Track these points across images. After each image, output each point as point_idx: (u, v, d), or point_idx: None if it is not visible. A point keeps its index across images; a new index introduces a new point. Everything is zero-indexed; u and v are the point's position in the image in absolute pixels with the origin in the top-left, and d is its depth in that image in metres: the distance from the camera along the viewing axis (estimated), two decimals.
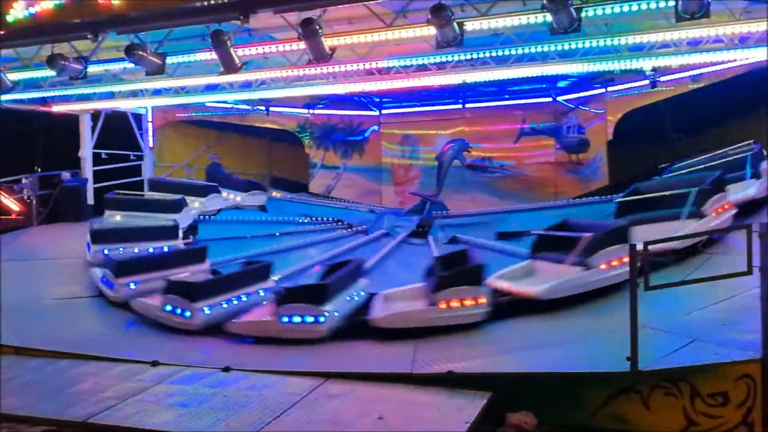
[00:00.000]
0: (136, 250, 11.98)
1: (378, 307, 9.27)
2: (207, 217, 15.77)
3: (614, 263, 9.08)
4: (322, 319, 8.83)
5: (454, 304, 8.80)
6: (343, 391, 6.93)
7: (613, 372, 6.37)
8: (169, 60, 11.77)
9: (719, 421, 6.01)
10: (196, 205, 15.62)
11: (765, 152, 12.91)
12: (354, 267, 10.31)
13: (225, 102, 18.55)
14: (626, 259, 7.52)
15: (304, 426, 6.16)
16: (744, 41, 11.64)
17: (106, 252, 11.60)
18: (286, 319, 8.87)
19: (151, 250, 12.19)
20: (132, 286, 10.52)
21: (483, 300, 8.90)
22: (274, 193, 18.87)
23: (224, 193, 16.90)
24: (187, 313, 9.41)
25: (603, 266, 9.09)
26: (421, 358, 7.68)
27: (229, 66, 10.93)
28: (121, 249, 11.94)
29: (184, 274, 10.71)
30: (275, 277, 11.00)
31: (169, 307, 9.56)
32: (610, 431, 6.29)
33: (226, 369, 7.68)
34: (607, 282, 9.03)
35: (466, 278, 9.00)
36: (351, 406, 6.56)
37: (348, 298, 9.62)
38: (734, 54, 12.29)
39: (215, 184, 16.91)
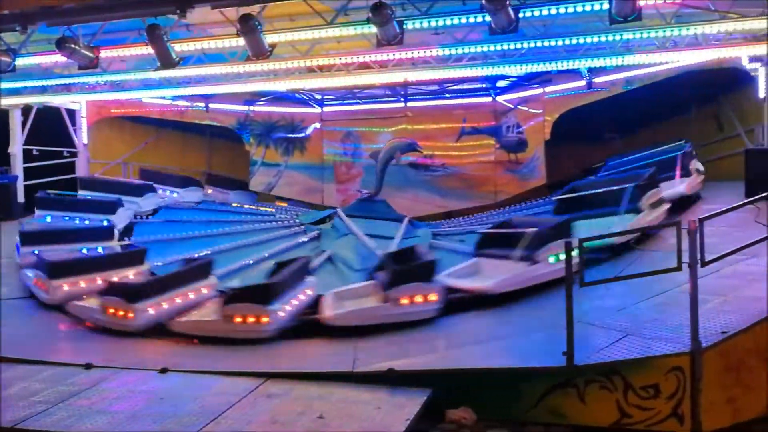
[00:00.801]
0: (70, 252, 11.57)
1: (328, 306, 9.21)
2: (143, 217, 15.37)
3: (561, 257, 9.18)
4: (266, 319, 8.72)
5: (404, 301, 8.82)
6: (283, 391, 6.89)
7: (549, 367, 6.49)
8: (104, 54, 11.45)
9: (651, 413, 6.19)
10: (132, 204, 15.23)
11: (694, 151, 13.41)
12: (300, 266, 10.22)
13: (162, 98, 18.15)
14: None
15: (242, 427, 6.10)
16: (675, 44, 12.04)
17: (36, 253, 11.21)
18: (236, 319, 8.74)
19: (85, 251, 11.83)
20: (66, 288, 10.19)
21: (435, 296, 8.95)
22: (209, 190, 18.55)
23: (160, 191, 16.54)
24: (130, 314, 9.16)
25: (551, 260, 9.28)
26: (362, 357, 7.70)
27: (165, 61, 10.72)
28: (52, 251, 11.48)
29: (122, 275, 10.47)
30: (217, 275, 10.80)
31: (111, 310, 9.28)
32: (547, 425, 6.40)
33: (163, 370, 7.53)
34: (552, 276, 9.09)
35: (419, 274, 9.01)
36: (290, 406, 6.52)
37: (295, 297, 9.51)
38: (665, 56, 12.69)
39: (150, 182, 16.51)
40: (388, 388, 6.79)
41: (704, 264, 6.57)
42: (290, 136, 21.09)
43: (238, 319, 8.76)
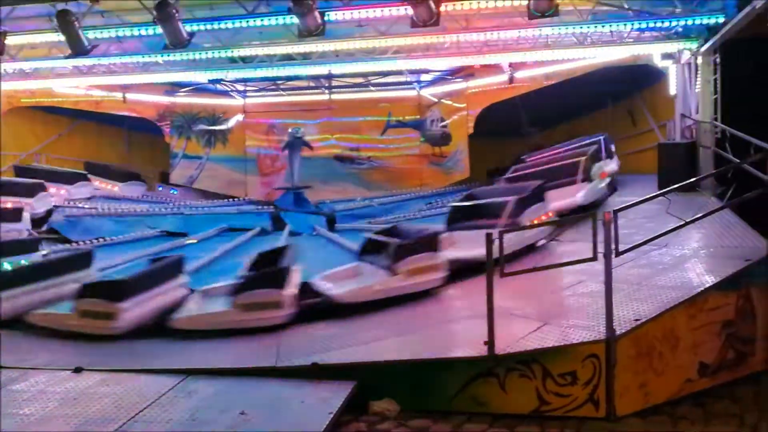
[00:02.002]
0: None
1: (192, 305, 9.06)
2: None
3: (418, 272, 9.08)
4: (114, 315, 8.49)
5: (418, 271, 8.78)
6: (203, 388, 6.72)
7: (471, 357, 6.57)
8: (11, 41, 10.92)
9: (568, 399, 6.35)
10: (62, 192, 14.60)
11: (612, 146, 13.86)
12: (170, 263, 9.94)
13: (77, 87, 17.45)
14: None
15: (161, 425, 5.92)
16: (591, 41, 12.42)
17: None
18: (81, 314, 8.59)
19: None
20: None
21: (441, 266, 8.96)
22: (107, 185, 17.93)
23: (98, 182, 15.94)
24: (111, 316, 8.64)
25: (402, 275, 9.03)
26: (285, 351, 7.60)
27: (77, 48, 10.31)
28: None
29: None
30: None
31: (87, 313, 8.72)
32: (469, 414, 6.48)
33: (78, 370, 7.24)
34: (410, 289, 8.99)
35: (426, 245, 8.96)
36: (212, 403, 6.37)
37: (159, 295, 9.19)
38: (582, 52, 13.07)
39: (40, 181, 15.60)
40: (312, 382, 6.74)
41: (618, 254, 6.80)
42: (212, 128, 20.69)
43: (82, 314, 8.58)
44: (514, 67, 16.46)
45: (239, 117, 20.77)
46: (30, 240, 12.13)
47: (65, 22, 9.91)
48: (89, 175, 16.91)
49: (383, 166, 20.07)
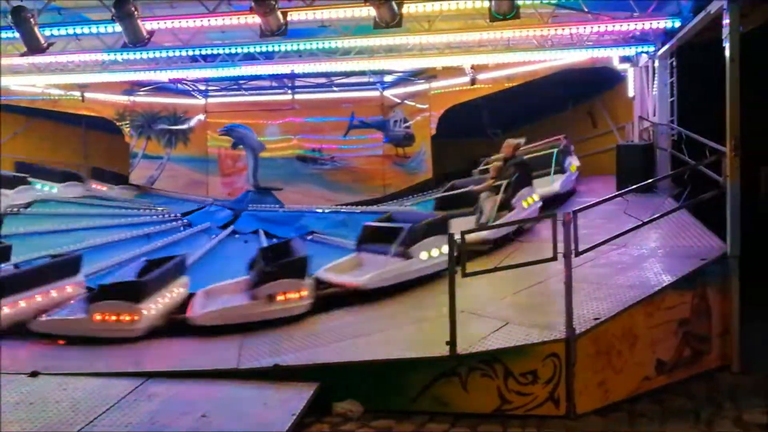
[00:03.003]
0: None
1: (198, 304, 8.98)
2: (14, 210, 14.39)
3: (433, 253, 9.37)
4: (135, 317, 8.39)
5: (279, 297, 8.70)
6: (164, 391, 6.65)
7: (433, 357, 6.60)
8: None
9: (529, 398, 6.42)
10: (2, 198, 14.22)
11: (572, 147, 14.07)
12: (175, 263, 9.89)
13: (34, 85, 17.05)
14: (445, 249, 7.85)
15: (120, 429, 5.84)
16: (552, 44, 12.57)
17: None
18: (99, 318, 8.34)
19: None
20: None
21: (305, 293, 8.87)
22: (94, 185, 17.64)
23: (37, 185, 15.55)
24: None
25: (423, 256, 9.36)
26: (247, 353, 7.55)
27: (32, 46, 10.07)
28: None
29: None
30: (86, 273, 10.27)
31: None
32: (431, 414, 6.50)
33: (34, 374, 7.09)
34: (427, 271, 9.33)
35: (290, 271, 8.92)
36: (172, 406, 6.30)
37: (167, 295, 9.18)
38: (543, 54, 13.23)
39: (25, 174, 15.47)
40: (274, 383, 6.71)
41: (578, 254, 6.90)
42: (173, 127, 20.42)
43: (99, 318, 8.38)
44: (476, 69, 16.57)
45: (201, 117, 20.54)
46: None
47: (20, 18, 9.67)
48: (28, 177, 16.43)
49: (346, 166, 20.02)
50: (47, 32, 10.25)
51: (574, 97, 16.88)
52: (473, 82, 17.17)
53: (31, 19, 9.78)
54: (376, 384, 6.69)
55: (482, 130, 18.00)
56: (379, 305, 8.86)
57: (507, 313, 7.42)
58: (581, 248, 6.96)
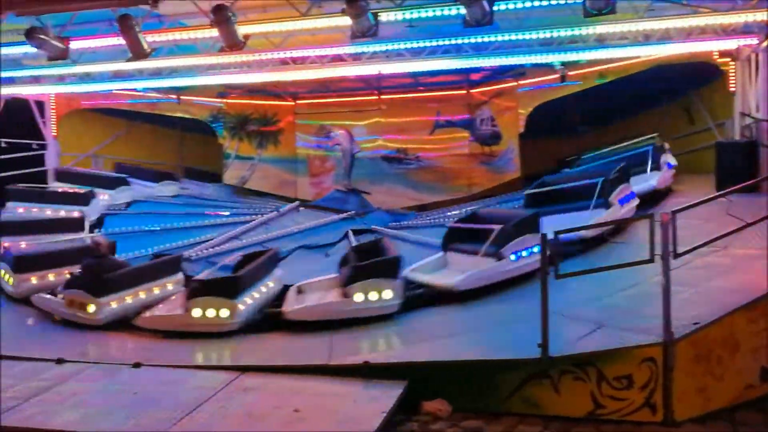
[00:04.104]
0: (39, 244, 11.30)
1: (291, 300, 9.16)
2: (116, 209, 15.10)
3: (524, 253, 9.26)
4: (227, 312, 8.63)
5: (371, 296, 8.75)
6: (258, 385, 6.84)
7: (524, 358, 6.53)
8: (74, 45, 11.25)
9: (624, 403, 6.26)
10: (105, 197, 14.97)
11: (667, 145, 13.60)
12: (269, 258, 10.15)
13: (134, 90, 17.90)
14: (536, 249, 7.75)
15: (217, 421, 6.05)
16: (647, 38, 12.16)
17: (6, 245, 10.98)
18: (198, 313, 8.64)
19: (55, 243, 11.49)
20: (33, 281, 9.99)
21: (396, 292, 8.90)
22: (186, 184, 18.30)
23: (135, 185, 16.28)
24: (91, 308, 8.98)
25: (513, 256, 9.25)
26: (337, 350, 7.67)
27: (137, 52, 10.56)
28: (21, 242, 11.26)
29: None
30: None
31: (72, 303, 9.11)
32: (521, 415, 6.44)
33: (136, 365, 7.44)
34: (519, 271, 9.21)
35: (382, 270, 8.98)
36: (266, 400, 6.48)
37: (262, 290, 9.43)
38: (638, 50, 12.82)
39: (125, 175, 16.24)
40: (363, 381, 6.78)
41: (676, 256, 6.66)
42: (264, 129, 20.94)
43: (199, 313, 8.65)
44: (566, 65, 16.24)
45: (290, 118, 20.98)
46: (73, 220, 12.60)
47: (126, 26, 10.16)
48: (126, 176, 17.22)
49: (431, 165, 20.00)
50: (149, 39, 10.69)
51: (670, 93, 16.29)
52: (563, 78, 16.81)
53: (135, 27, 10.22)
54: (466, 384, 6.67)
55: (572, 128, 17.63)
56: (467, 305, 8.82)
57: (600, 315, 7.26)
58: (680, 250, 6.72)
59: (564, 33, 11.80)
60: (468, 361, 6.80)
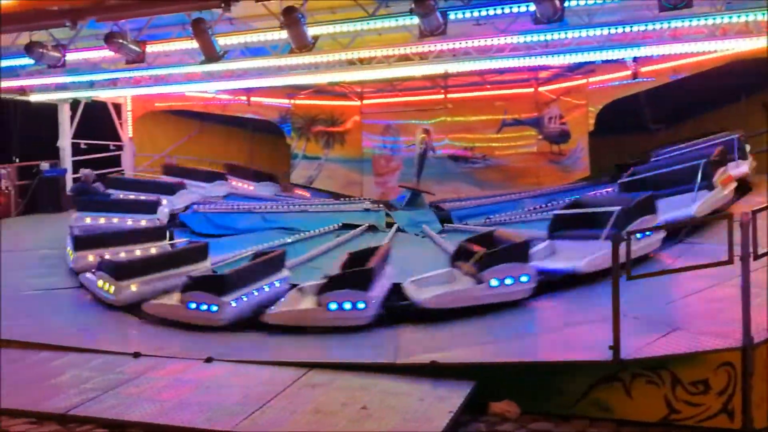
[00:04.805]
0: (123, 254, 11.33)
1: (416, 292, 9.14)
2: (177, 214, 15.32)
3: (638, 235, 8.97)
4: (362, 305, 8.69)
5: (506, 281, 8.69)
6: (325, 381, 6.90)
7: (595, 361, 6.39)
8: (149, 48, 11.63)
9: (700, 408, 6.05)
10: (201, 190, 15.36)
11: (745, 139, 13.09)
12: (384, 255, 10.13)
13: (205, 92, 18.38)
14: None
15: (286, 416, 6.13)
16: (725, 33, 11.74)
17: (91, 258, 11.19)
18: (334, 307, 8.71)
19: (138, 253, 11.57)
20: (134, 288, 10.04)
21: (529, 277, 8.83)
22: (241, 184, 18.54)
23: (235, 182, 16.66)
24: (214, 308, 9.10)
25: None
26: (404, 348, 7.69)
27: (210, 55, 10.84)
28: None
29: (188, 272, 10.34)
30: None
31: (193, 305, 9.17)
32: (592, 419, 6.31)
33: (209, 360, 7.62)
34: (638, 253, 8.82)
35: (513, 255, 8.91)
36: (334, 396, 6.53)
37: (381, 285, 9.42)
38: (715, 45, 12.39)
39: (180, 179, 16.54)
40: (431, 380, 6.76)
41: (757, 257, 6.41)
42: (330, 129, 21.18)
43: (334, 307, 8.72)
44: (638, 61, 15.83)
45: (356, 118, 21.15)
46: (155, 229, 12.78)
47: (199, 29, 10.43)
48: (228, 175, 17.76)
49: (498, 164, 19.85)
50: (221, 42, 10.94)
51: (747, 88, 15.69)
52: (635, 75, 16.43)
53: (209, 30, 10.49)
54: (535, 386, 6.57)
55: (644, 125, 17.18)
56: (532, 307, 8.71)
57: (675, 318, 7.04)
58: (760, 251, 6.46)
59: (636, 28, 11.48)
60: (537, 363, 6.72)
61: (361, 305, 8.67)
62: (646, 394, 6.19)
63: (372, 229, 15.09)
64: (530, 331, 7.90)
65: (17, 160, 16.31)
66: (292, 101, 20.79)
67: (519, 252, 9.02)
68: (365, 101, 21.10)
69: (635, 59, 15.48)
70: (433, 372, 6.85)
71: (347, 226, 15.02)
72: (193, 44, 11.00)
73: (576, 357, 6.64)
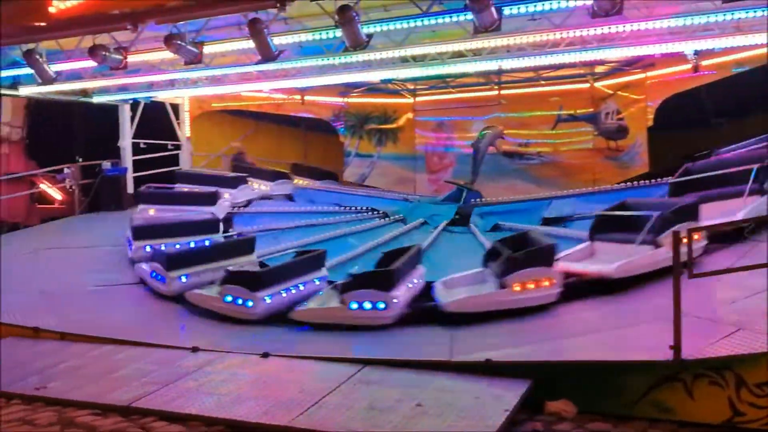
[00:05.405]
0: (178, 246, 11.64)
1: (443, 293, 9.16)
2: (237, 209, 15.54)
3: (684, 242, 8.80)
4: (382, 305, 8.77)
5: (530, 285, 8.65)
6: (380, 378, 6.94)
7: (655, 361, 6.26)
8: (207, 49, 11.84)
9: (766, 411, 5.87)
10: (226, 196, 15.63)
11: None
12: (414, 253, 10.18)
13: (260, 91, 18.62)
14: (696, 237, 7.51)
15: (342, 412, 6.18)
16: None
17: (148, 248, 11.56)
18: (355, 306, 8.83)
19: (192, 244, 11.89)
20: (183, 279, 10.41)
21: (554, 281, 8.76)
22: (296, 181, 18.66)
23: (253, 184, 16.90)
24: (249, 303, 9.37)
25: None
26: (458, 346, 7.66)
27: (266, 54, 10.97)
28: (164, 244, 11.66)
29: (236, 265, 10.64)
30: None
31: (229, 298, 9.47)
32: (652, 420, 6.18)
33: (265, 355, 7.73)
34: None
35: (539, 259, 8.85)
36: (388, 393, 6.54)
37: (410, 285, 9.49)
38: None
39: (244, 174, 16.82)
40: (485, 377, 6.72)
41: None
42: (383, 126, 21.21)
43: (355, 306, 8.83)
44: (699, 54, 15.39)
45: (409, 115, 21.13)
46: (210, 221, 12.99)
47: (256, 30, 10.57)
48: (293, 174, 17.98)
49: (554, 161, 19.57)
50: (276, 41, 11.06)
51: None
52: (696, 69, 15.96)
53: (265, 30, 10.62)
54: (592, 385, 6.47)
55: (705, 120, 16.70)
56: (594, 302, 8.57)
57: (739, 317, 6.83)
58: None
59: (698, 20, 11.15)
60: (595, 362, 6.60)
61: (381, 305, 8.75)
62: (708, 395, 6.03)
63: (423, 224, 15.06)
64: (587, 329, 7.77)
65: (80, 160, 16.81)
66: (346, 99, 20.89)
67: (544, 256, 8.91)
68: (418, 98, 21.06)
69: (696, 52, 15.03)
70: (489, 370, 6.81)
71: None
72: (249, 44, 11.14)
73: (636, 356, 6.50)
